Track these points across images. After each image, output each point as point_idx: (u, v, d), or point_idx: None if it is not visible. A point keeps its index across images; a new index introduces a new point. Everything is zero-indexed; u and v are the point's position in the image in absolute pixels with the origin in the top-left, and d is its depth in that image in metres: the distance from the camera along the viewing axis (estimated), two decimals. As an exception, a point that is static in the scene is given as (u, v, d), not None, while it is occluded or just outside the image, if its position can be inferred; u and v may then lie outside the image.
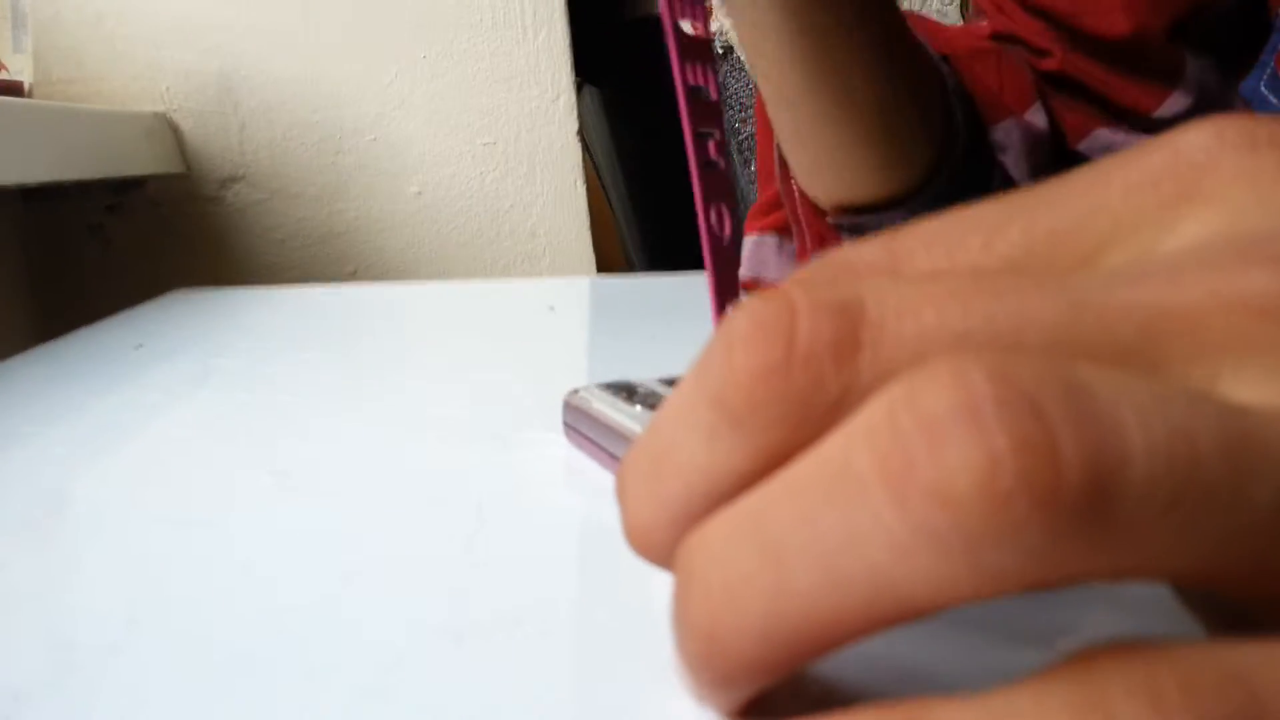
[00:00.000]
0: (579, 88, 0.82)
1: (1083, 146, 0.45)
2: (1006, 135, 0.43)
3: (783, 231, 0.49)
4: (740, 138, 0.88)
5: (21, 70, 0.74)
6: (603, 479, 0.25)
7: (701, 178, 0.21)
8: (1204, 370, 0.11)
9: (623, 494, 0.14)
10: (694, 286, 0.54)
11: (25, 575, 0.21)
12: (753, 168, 0.89)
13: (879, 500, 0.10)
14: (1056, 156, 0.44)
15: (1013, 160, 0.43)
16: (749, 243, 0.51)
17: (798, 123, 0.39)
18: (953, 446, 0.10)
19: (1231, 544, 0.10)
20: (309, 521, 0.23)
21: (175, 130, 0.76)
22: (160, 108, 0.76)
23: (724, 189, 0.21)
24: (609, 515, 0.23)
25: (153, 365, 0.40)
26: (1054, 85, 0.45)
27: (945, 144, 0.41)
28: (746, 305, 0.13)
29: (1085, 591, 0.18)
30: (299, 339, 0.45)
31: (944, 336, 0.12)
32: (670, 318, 0.47)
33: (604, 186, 1.13)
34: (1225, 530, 0.10)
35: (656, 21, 0.19)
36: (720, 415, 0.12)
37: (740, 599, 0.11)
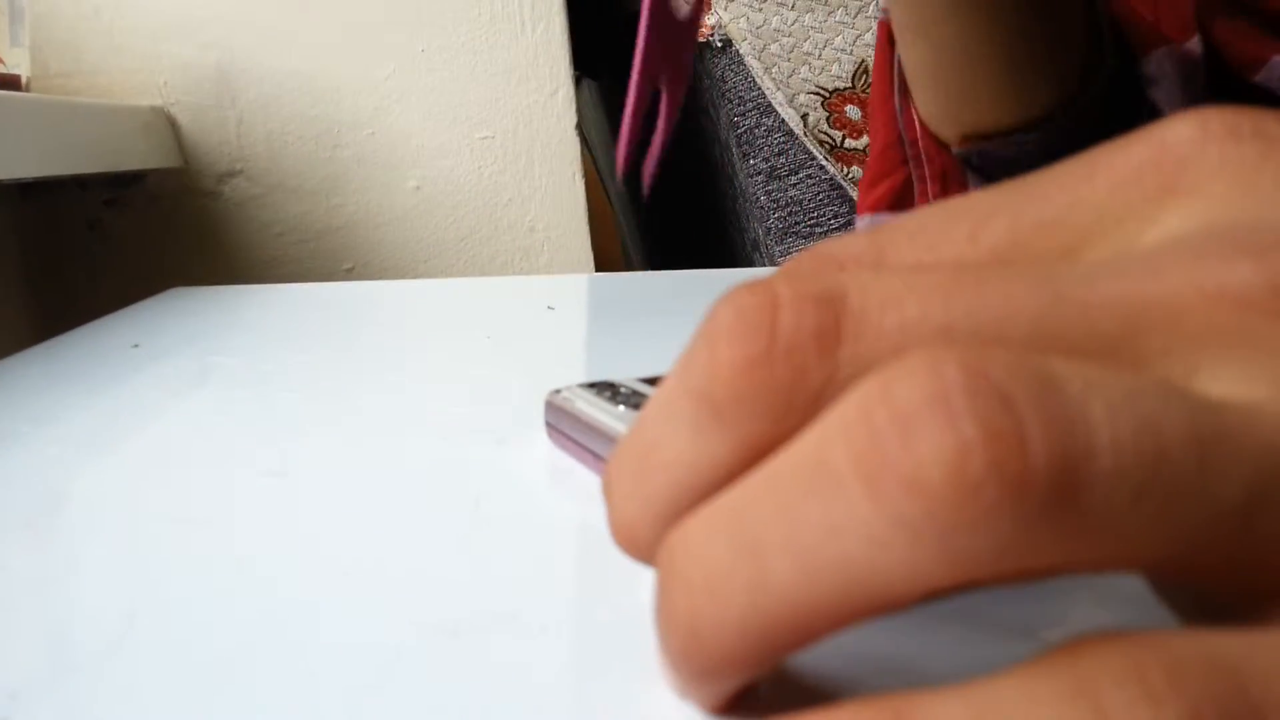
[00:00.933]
0: (577, 82, 0.82)
1: (1260, 78, 0.41)
2: (1159, 67, 0.40)
3: (896, 206, 0.47)
4: (739, 131, 0.88)
5: (19, 64, 0.74)
6: (589, 478, 0.25)
7: None
8: (1183, 363, 0.11)
9: (609, 491, 0.15)
10: (695, 285, 0.55)
11: (23, 574, 0.21)
12: (752, 162, 0.89)
13: (854, 493, 0.10)
14: (1221, 89, 0.41)
15: (1166, 93, 0.40)
16: (861, 225, 0.49)
17: (912, 8, 0.37)
18: (924, 437, 0.10)
19: (1202, 536, 0.11)
20: (307, 519, 0.23)
21: (173, 124, 0.76)
22: (158, 102, 0.76)
23: None
24: (603, 513, 0.23)
25: (150, 364, 0.40)
26: (1220, 6, 0.41)
27: (1088, 68, 0.39)
28: (729, 297, 0.13)
29: (1070, 584, 0.18)
30: (297, 337, 0.45)
31: (926, 328, 0.12)
32: (669, 316, 0.47)
33: (602, 181, 1.13)
34: (1195, 522, 0.10)
35: None
36: (704, 408, 0.13)
37: (720, 593, 0.12)
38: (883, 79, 0.46)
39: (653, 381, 0.26)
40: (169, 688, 0.16)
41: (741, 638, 0.12)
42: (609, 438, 0.24)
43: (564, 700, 0.16)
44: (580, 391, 0.26)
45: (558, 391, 0.27)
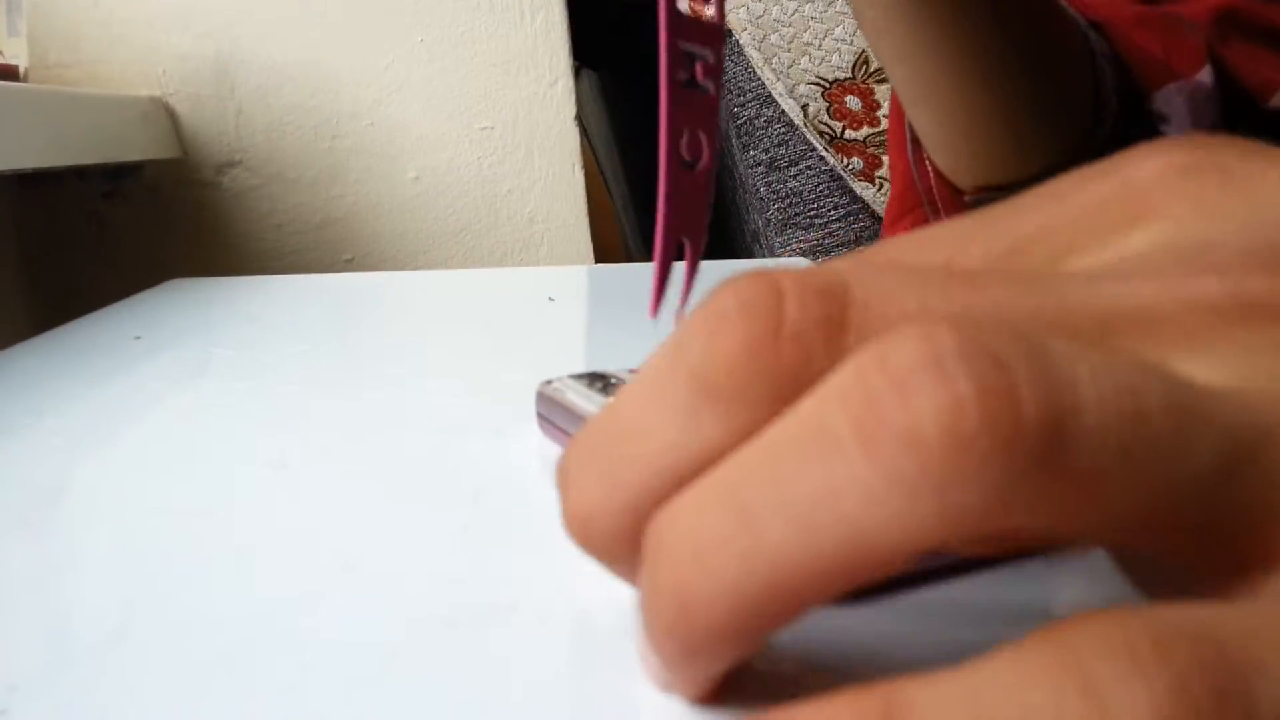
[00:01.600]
0: (577, 73, 0.82)
1: (1275, 103, 0.42)
2: (1167, 103, 0.41)
3: None
4: (739, 122, 0.88)
5: (16, 54, 0.74)
6: None
7: (674, 96, 0.18)
8: (1155, 358, 0.12)
9: (565, 477, 0.14)
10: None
11: (23, 567, 0.21)
12: (751, 153, 0.89)
13: (853, 454, 0.11)
14: (1235, 117, 0.42)
15: (1177, 130, 0.41)
16: None
17: (912, 81, 0.38)
18: (920, 394, 0.11)
19: (1179, 499, 0.11)
20: (307, 511, 0.23)
21: (172, 115, 0.76)
22: (157, 92, 0.76)
23: (707, 114, 0.19)
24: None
25: (151, 355, 0.40)
26: (1233, 30, 0.42)
27: (1093, 114, 0.39)
28: (732, 285, 0.13)
29: (1065, 574, 0.18)
30: (297, 328, 0.45)
31: (925, 319, 0.12)
32: (670, 308, 0.46)
33: (602, 173, 1.13)
34: (1172, 483, 0.11)
35: (656, 4, 0.18)
36: (700, 392, 0.13)
37: (712, 563, 0.12)
38: (897, 127, 0.47)
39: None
40: (168, 680, 0.16)
41: (732, 609, 0.12)
42: None
43: (562, 692, 0.16)
44: (571, 382, 0.26)
45: (549, 382, 0.27)
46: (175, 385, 0.35)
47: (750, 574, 0.11)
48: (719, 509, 0.12)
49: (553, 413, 0.26)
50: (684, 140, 0.19)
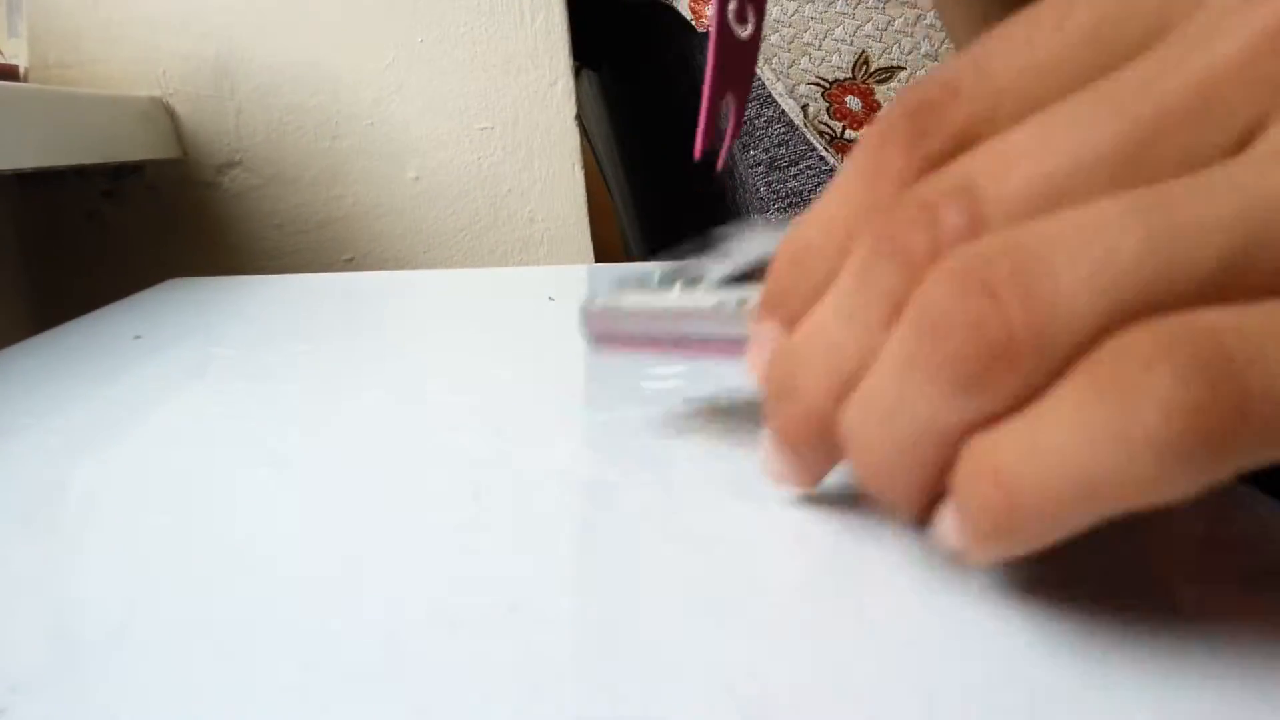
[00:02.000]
0: (577, 73, 0.82)
1: None
2: None
3: None
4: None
5: (17, 54, 0.74)
6: (597, 468, 0.25)
7: None
8: (1260, 110, 0.14)
9: (788, 383, 0.19)
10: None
11: (24, 566, 0.21)
12: (751, 153, 0.89)
13: (918, 376, 0.16)
14: None
15: None
16: None
17: (967, 20, 0.41)
18: (939, 332, 0.15)
19: (1188, 299, 0.14)
20: (307, 510, 0.23)
21: (172, 115, 0.76)
22: (157, 92, 0.76)
23: None
24: (604, 503, 0.23)
25: (151, 355, 0.40)
26: None
27: None
28: (889, 217, 0.17)
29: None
30: (298, 328, 0.45)
31: (1040, 184, 0.15)
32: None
33: (602, 173, 1.13)
34: (1175, 295, 0.14)
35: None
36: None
37: (866, 440, 0.17)
38: None
39: (684, 278, 0.25)
40: (169, 680, 0.16)
41: (889, 473, 0.17)
42: (682, 316, 0.24)
43: (562, 694, 0.16)
44: (619, 293, 0.26)
45: (593, 300, 0.26)
46: (175, 385, 0.36)
47: (879, 446, 0.17)
48: (862, 409, 0.17)
49: (616, 322, 0.26)
50: (733, 8, 0.22)
